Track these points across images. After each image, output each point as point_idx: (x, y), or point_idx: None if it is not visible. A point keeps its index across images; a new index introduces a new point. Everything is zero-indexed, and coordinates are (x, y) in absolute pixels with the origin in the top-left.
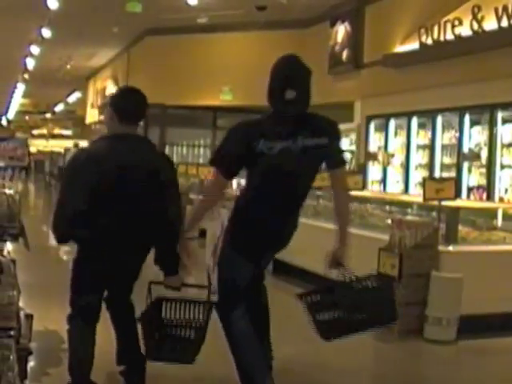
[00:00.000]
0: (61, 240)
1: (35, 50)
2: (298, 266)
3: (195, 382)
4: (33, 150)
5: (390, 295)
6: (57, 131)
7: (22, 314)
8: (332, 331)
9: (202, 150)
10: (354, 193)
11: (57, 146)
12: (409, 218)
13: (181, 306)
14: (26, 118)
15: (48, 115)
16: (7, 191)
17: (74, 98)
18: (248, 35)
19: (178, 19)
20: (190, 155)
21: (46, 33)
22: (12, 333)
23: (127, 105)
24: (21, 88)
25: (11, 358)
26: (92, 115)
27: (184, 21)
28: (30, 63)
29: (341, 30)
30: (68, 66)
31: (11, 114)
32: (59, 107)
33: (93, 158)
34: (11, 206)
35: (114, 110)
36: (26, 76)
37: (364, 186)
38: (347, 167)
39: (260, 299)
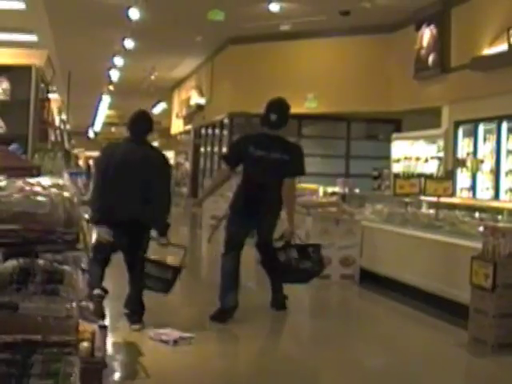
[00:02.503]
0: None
1: (119, 61)
2: (386, 276)
3: None
4: None
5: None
6: None
7: (95, 325)
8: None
9: None
10: (443, 199)
11: None
12: (501, 225)
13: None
14: (112, 129)
15: None
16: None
17: (159, 108)
18: (332, 41)
19: (261, 27)
20: None
21: (129, 44)
22: (70, 349)
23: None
24: (106, 100)
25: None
26: (177, 125)
27: (267, 28)
28: (115, 75)
29: (426, 34)
30: (152, 77)
31: (98, 126)
32: None
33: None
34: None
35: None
36: (111, 88)
37: (453, 193)
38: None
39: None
